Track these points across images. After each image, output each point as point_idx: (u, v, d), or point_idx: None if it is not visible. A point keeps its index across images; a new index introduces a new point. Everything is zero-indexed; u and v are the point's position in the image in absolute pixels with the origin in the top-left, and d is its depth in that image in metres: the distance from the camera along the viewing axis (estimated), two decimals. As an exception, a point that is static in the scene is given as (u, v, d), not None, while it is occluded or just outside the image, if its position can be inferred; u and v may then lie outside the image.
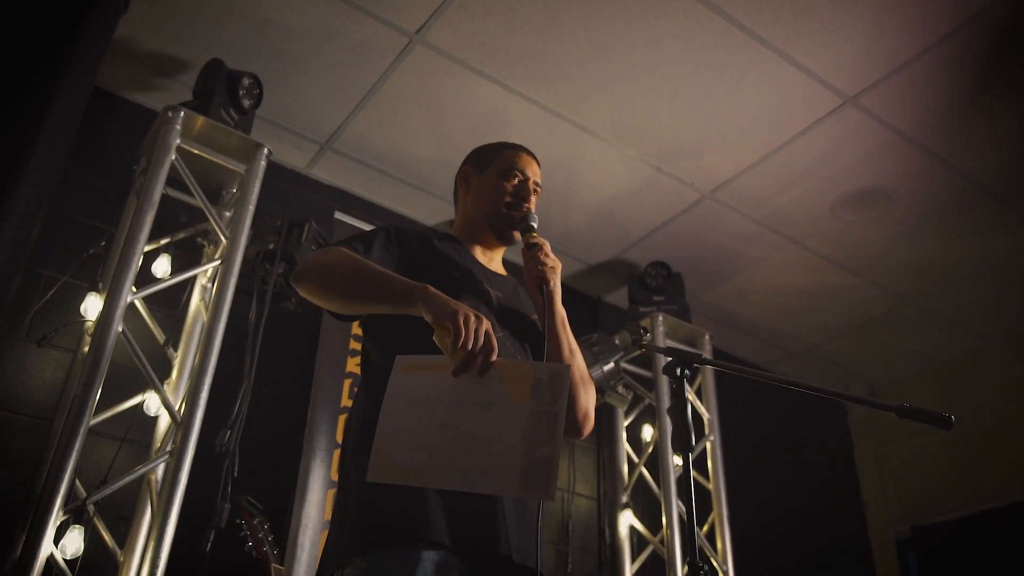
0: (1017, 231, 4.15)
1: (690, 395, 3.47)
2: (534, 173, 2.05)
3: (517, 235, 1.98)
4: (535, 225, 1.95)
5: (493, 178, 2.02)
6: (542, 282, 1.83)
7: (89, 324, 2.85)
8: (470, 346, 1.46)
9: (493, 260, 2.05)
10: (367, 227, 3.65)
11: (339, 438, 3.19)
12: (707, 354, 4.25)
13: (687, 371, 2.12)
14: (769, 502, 4.53)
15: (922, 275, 4.50)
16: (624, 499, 3.92)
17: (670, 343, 3.95)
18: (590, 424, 1.93)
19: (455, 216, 2.12)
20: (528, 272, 1.85)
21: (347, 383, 3.30)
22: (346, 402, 3.27)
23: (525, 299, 1.98)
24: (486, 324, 1.49)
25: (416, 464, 1.46)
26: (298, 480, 3.03)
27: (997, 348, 4.89)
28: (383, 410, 1.52)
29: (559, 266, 1.87)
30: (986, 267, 4.39)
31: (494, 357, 1.48)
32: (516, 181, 2.01)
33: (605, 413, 4.14)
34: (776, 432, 4.92)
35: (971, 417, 4.86)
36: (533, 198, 2.03)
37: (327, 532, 1.79)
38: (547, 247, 1.89)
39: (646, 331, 3.84)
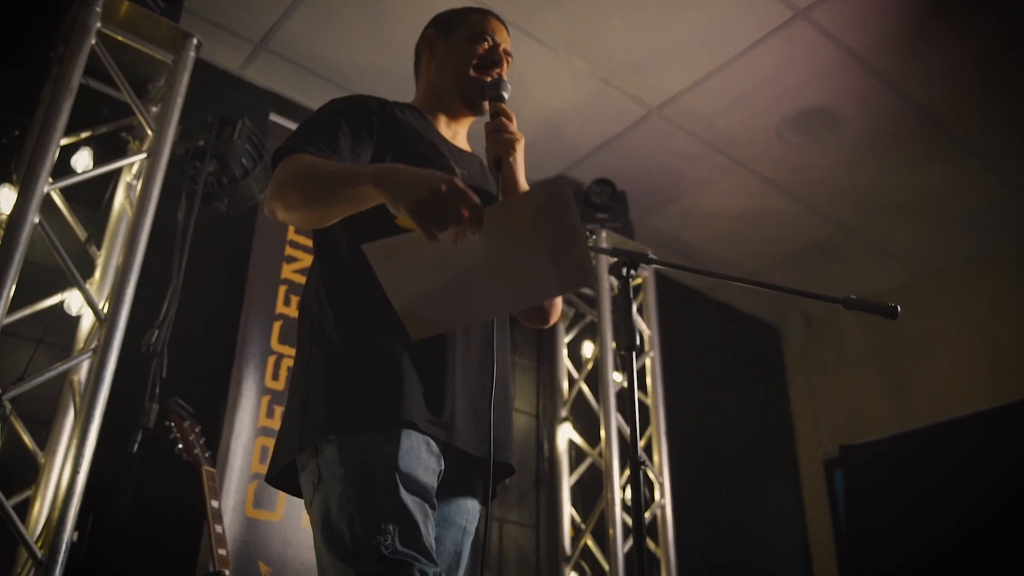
0: (958, 164, 4.20)
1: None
2: (504, 40, 1.91)
3: (486, 104, 1.82)
4: (506, 95, 1.78)
5: (461, 41, 1.87)
6: (503, 154, 1.69)
7: (3, 217, 2.68)
8: (453, 233, 1.32)
9: (458, 135, 1.92)
10: (304, 132, 3.50)
11: (274, 345, 3.09)
12: (649, 275, 4.25)
13: (633, 271, 2.10)
14: (704, 421, 4.60)
15: (861, 204, 4.54)
16: (563, 414, 3.93)
17: (611, 261, 3.92)
18: (557, 311, 1.86)
19: (416, 86, 1.97)
20: (489, 143, 1.71)
21: (282, 289, 3.19)
22: (281, 308, 3.16)
23: (491, 179, 1.82)
24: (462, 191, 1.32)
25: (455, 312, 1.45)
26: (231, 386, 2.93)
27: (929, 280, 4.99)
28: (389, 291, 1.42)
29: (523, 139, 1.74)
30: (923, 199, 4.45)
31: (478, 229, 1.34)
32: (487, 45, 1.87)
33: (546, 330, 4.12)
34: (713, 354, 4.98)
35: (901, 346, 4.98)
36: (504, 65, 1.89)
37: (283, 419, 1.72)
38: (514, 120, 1.75)
39: (592, 233, 3.81)
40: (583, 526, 3.61)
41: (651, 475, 3.69)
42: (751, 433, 5.04)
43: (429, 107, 1.89)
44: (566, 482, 3.75)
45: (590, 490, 3.74)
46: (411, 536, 1.45)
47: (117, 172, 2.91)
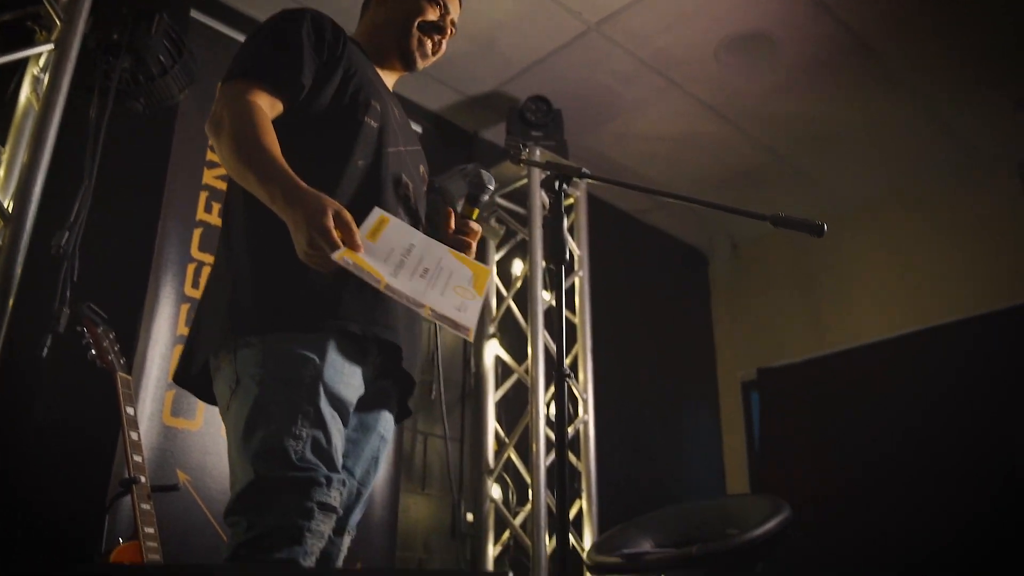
0: (891, 98, 4.24)
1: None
2: (455, 9, 1.96)
3: (421, 63, 1.90)
4: (486, 198, 1.87)
5: None
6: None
7: None
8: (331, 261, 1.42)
9: (389, 78, 1.95)
10: (228, 32, 3.34)
11: (194, 252, 2.99)
12: (582, 195, 4.23)
13: (566, 186, 2.10)
14: (629, 341, 4.68)
15: (793, 131, 4.58)
16: (491, 330, 3.94)
17: (544, 176, 3.90)
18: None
19: (360, 21, 1.98)
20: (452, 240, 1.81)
21: (203, 196, 3.08)
22: (202, 215, 3.05)
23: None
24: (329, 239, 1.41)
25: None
26: (147, 293, 2.84)
27: (853, 211, 5.09)
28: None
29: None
30: (854, 130, 4.51)
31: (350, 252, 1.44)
32: (439, 11, 1.90)
33: (476, 248, 4.08)
34: (641, 277, 5.03)
35: (823, 273, 5.11)
36: (447, 35, 1.94)
37: (197, 321, 1.69)
38: (478, 236, 1.85)
39: (526, 146, 3.76)
40: (507, 440, 3.66)
41: (575, 392, 3.75)
42: (674, 354, 5.15)
43: (368, 46, 1.90)
44: (491, 397, 3.78)
45: (514, 405, 3.78)
46: (321, 448, 1.47)
47: (22, 64, 2.73)
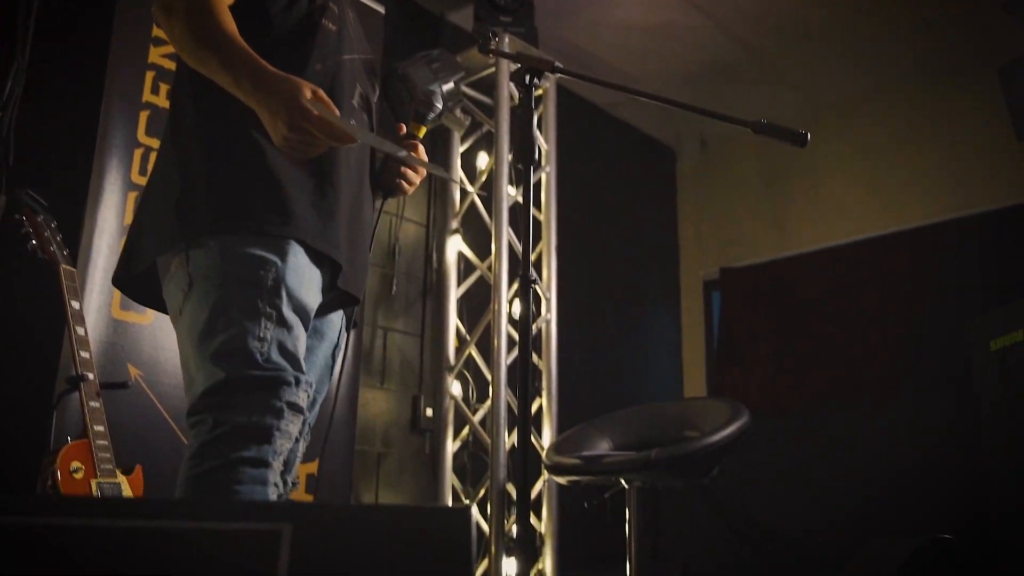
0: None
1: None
2: None
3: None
4: (433, 116, 1.78)
5: None
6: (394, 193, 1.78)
7: None
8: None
9: None
10: None
11: (141, 136, 2.82)
12: (551, 87, 4.08)
13: (536, 80, 1.98)
14: (594, 238, 4.63)
15: (771, 27, 4.42)
16: (454, 225, 3.84)
17: (513, 68, 3.72)
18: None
19: None
20: (390, 173, 1.75)
21: (149, 76, 2.88)
22: (149, 97, 2.86)
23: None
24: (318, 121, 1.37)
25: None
26: (91, 180, 2.68)
27: (826, 111, 5.00)
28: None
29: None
30: (832, 27, 4.37)
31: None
32: None
33: (440, 138, 3.94)
34: (608, 172, 4.94)
35: (791, 173, 5.05)
36: None
37: (140, 217, 1.60)
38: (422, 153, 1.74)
39: (495, 34, 3.58)
40: (468, 337, 3.63)
41: (539, 291, 3.70)
42: (638, 252, 5.12)
43: None
44: (453, 294, 3.72)
45: (476, 303, 3.73)
46: (287, 350, 1.44)
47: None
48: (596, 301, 4.54)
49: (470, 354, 3.60)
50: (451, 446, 3.48)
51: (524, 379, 1.79)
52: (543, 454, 3.02)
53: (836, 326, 4.60)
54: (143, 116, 2.83)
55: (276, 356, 1.42)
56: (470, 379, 3.71)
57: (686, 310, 5.37)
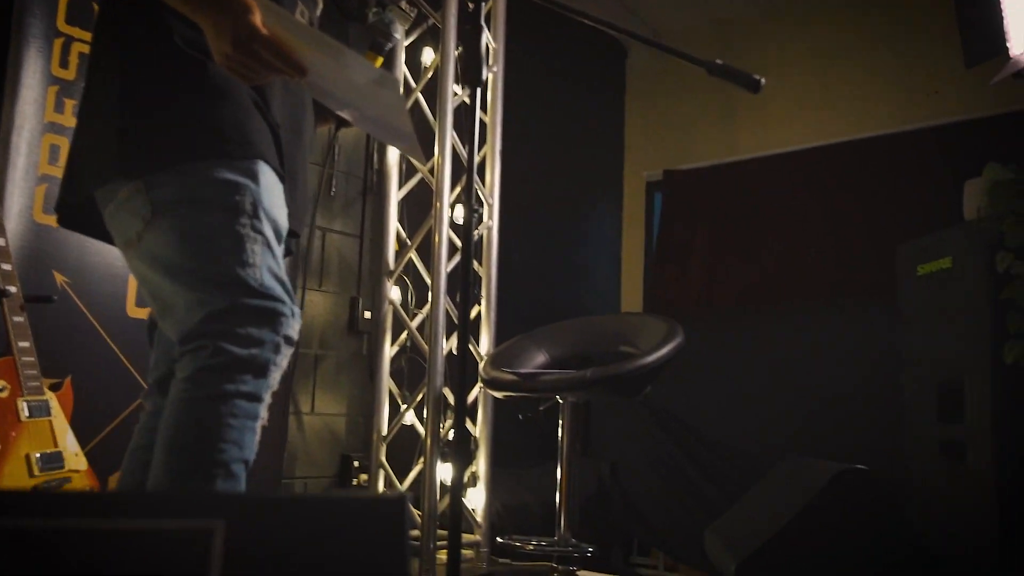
0: None
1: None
2: None
3: None
4: (390, 47, 1.80)
5: None
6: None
7: None
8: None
9: None
10: None
11: (61, 25, 2.63)
12: (501, -22, 3.89)
13: None
14: (539, 138, 4.55)
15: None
16: (397, 126, 3.72)
17: (464, -41, 3.54)
18: None
19: None
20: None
21: (68, -43, 2.66)
22: (67, -19, 2.65)
23: None
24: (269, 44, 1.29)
25: None
26: (7, 72, 2.50)
27: (779, 14, 4.90)
28: None
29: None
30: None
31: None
32: None
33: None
34: (556, 70, 4.81)
35: (740, 76, 4.99)
36: None
37: (82, 139, 1.53)
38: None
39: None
40: (409, 242, 3.58)
41: (482, 196, 3.65)
42: (584, 153, 5.06)
43: None
44: (394, 196, 3.64)
45: (418, 207, 3.67)
46: (276, 275, 1.45)
47: None
48: (539, 204, 4.51)
49: (410, 259, 3.57)
50: (388, 351, 3.49)
51: (465, 287, 1.80)
52: (480, 368, 3.05)
53: (777, 234, 4.65)
54: (62, 2, 2.63)
55: (269, 281, 1.42)
56: (409, 284, 3.69)
57: (628, 211, 5.38)
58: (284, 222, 1.50)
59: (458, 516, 1.66)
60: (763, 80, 1.69)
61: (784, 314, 4.42)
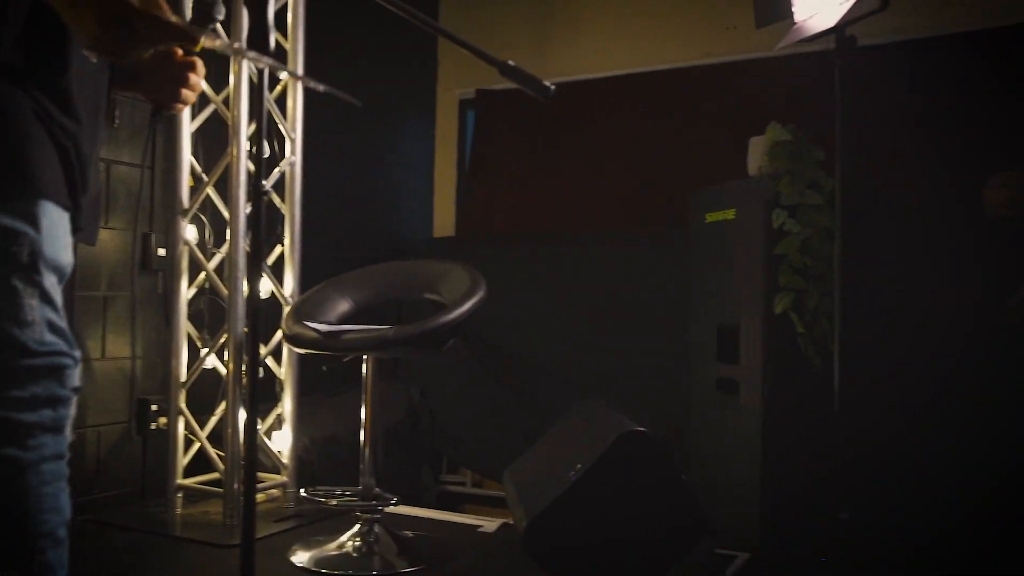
0: None
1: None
2: None
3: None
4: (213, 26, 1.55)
5: None
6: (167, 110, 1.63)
7: None
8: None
9: None
10: None
11: None
12: None
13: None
14: (346, 58, 4.36)
15: None
16: (187, 53, 3.44)
17: None
18: None
19: None
20: (162, 85, 1.57)
21: None
22: None
23: None
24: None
25: None
26: None
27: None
28: None
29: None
30: None
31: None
32: None
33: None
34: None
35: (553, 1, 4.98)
36: None
37: None
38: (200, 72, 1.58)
39: None
40: (205, 177, 3.38)
41: (282, 129, 3.49)
42: (396, 71, 4.91)
43: None
44: (186, 128, 3.39)
45: (215, 141, 3.45)
46: (57, 327, 1.33)
47: None
48: (348, 127, 4.35)
49: (208, 195, 3.38)
50: (185, 292, 3.33)
51: (256, 228, 1.73)
52: (283, 320, 2.98)
53: (586, 160, 4.74)
54: None
55: (49, 337, 1.30)
56: (207, 222, 3.50)
57: (441, 130, 5.31)
58: (69, 259, 1.36)
59: (254, 464, 1.63)
60: (553, 87, 1.68)
61: (592, 241, 4.55)
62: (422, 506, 3.66)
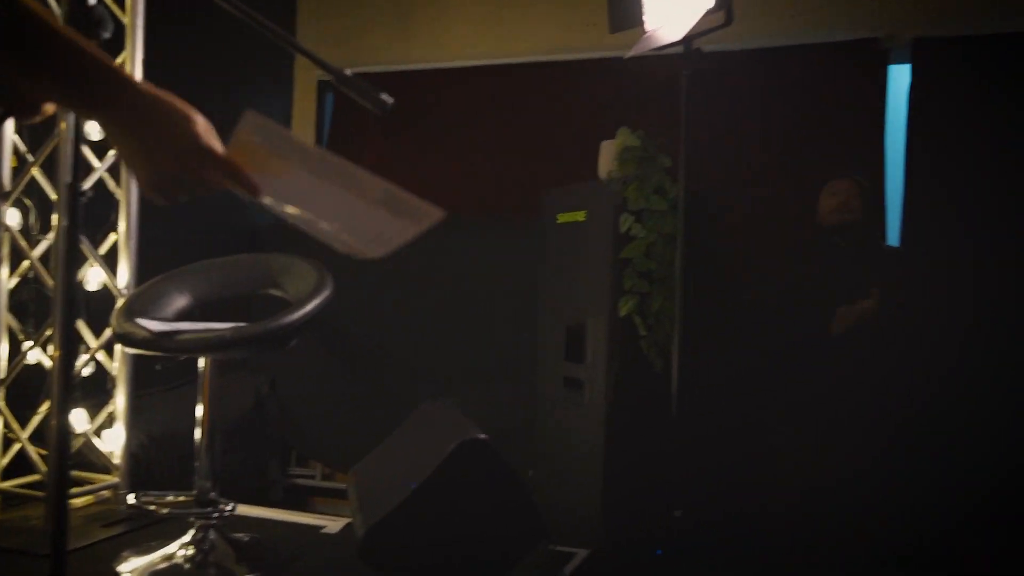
0: None
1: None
2: None
3: None
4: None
5: None
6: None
7: None
8: None
9: None
10: None
11: None
12: None
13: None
14: (196, 37, 4.14)
15: None
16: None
17: None
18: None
19: None
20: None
21: None
22: None
23: None
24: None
25: None
26: None
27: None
28: None
29: None
30: None
31: None
32: None
33: None
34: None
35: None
36: None
37: None
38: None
39: None
40: (30, 158, 3.14)
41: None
42: (251, 45, 4.69)
43: None
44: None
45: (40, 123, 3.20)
46: None
47: None
48: (195, 106, 4.12)
49: (33, 177, 3.14)
50: (6, 281, 3.10)
51: (72, 211, 1.63)
52: (114, 319, 2.81)
53: (446, 150, 4.71)
54: None
55: None
56: (32, 207, 3.26)
57: (298, 111, 5.15)
58: None
59: (65, 469, 1.54)
60: (391, 101, 1.64)
61: (446, 230, 4.52)
62: (268, 502, 3.57)
